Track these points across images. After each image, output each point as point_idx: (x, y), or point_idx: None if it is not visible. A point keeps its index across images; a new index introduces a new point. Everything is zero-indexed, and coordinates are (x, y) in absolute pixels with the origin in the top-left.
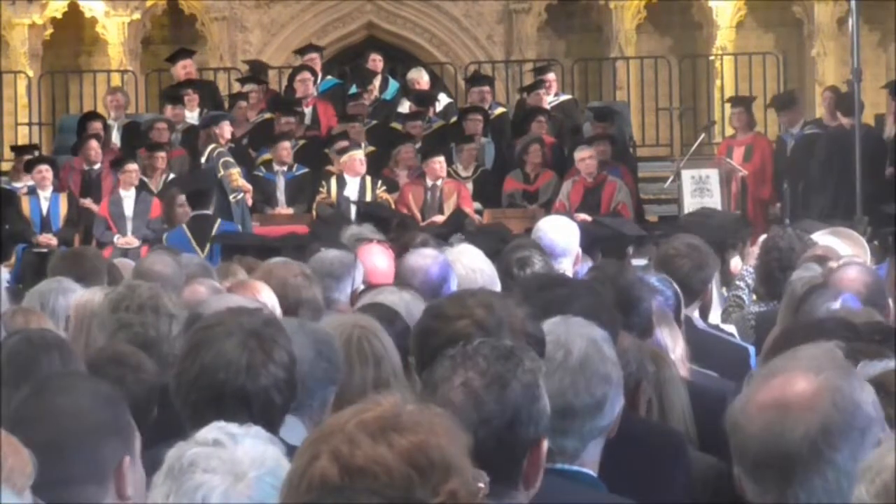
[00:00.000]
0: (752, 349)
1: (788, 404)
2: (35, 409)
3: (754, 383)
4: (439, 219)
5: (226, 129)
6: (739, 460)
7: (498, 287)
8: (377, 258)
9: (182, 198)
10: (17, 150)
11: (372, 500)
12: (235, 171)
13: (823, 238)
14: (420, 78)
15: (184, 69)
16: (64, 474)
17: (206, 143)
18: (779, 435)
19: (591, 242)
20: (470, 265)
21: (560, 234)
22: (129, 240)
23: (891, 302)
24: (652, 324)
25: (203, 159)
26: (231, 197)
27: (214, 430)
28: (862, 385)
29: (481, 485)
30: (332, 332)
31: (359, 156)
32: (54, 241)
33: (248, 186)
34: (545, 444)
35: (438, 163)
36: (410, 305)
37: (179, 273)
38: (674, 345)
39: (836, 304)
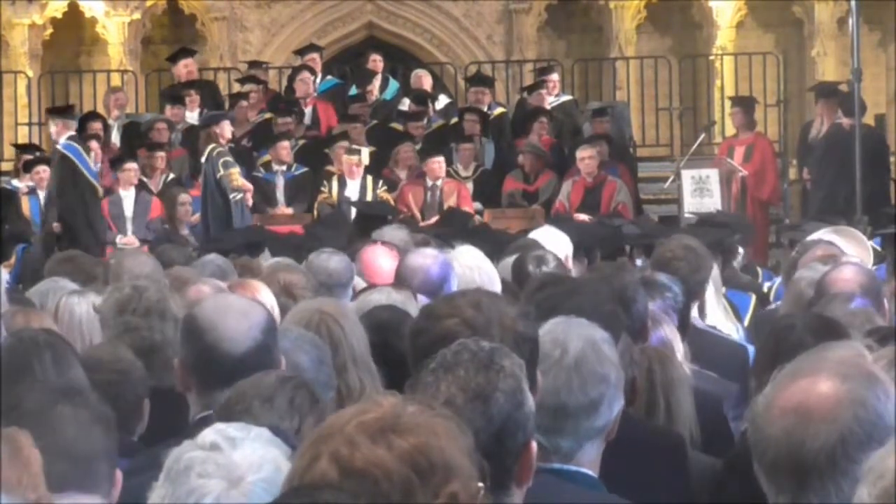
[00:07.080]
0: (751, 349)
1: (810, 412)
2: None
3: (779, 381)
4: (433, 220)
5: (226, 129)
6: (757, 458)
7: (497, 286)
8: (381, 259)
9: (184, 197)
10: (19, 147)
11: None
12: (235, 171)
13: (827, 236)
14: (424, 77)
15: (185, 68)
16: (69, 498)
17: (206, 142)
18: (798, 442)
19: (590, 243)
20: (469, 264)
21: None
22: (130, 240)
23: (886, 302)
24: (647, 325)
25: (203, 159)
26: (231, 197)
27: (214, 433)
28: (887, 394)
29: (480, 484)
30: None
31: (353, 160)
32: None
33: (249, 186)
34: (534, 444)
35: (437, 163)
36: (406, 306)
37: (159, 272)
38: (675, 345)
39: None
